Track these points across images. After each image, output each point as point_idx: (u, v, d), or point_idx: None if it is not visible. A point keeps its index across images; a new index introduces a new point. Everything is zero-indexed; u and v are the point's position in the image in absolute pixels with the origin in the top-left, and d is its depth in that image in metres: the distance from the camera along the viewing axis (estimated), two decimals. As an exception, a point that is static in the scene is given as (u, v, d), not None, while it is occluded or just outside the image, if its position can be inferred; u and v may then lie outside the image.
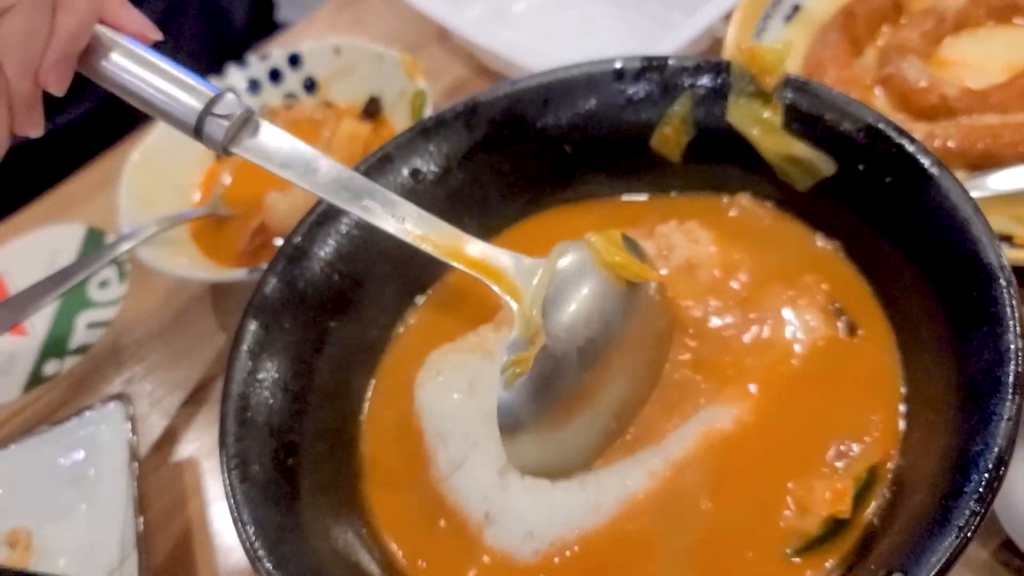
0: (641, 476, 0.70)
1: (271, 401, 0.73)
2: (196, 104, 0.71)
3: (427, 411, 0.77)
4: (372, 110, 1.19)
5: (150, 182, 1.14)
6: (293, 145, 0.74)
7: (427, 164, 0.86)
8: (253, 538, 0.64)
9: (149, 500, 0.95)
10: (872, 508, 0.65)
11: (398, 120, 1.16)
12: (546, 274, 0.71)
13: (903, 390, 0.70)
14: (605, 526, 0.69)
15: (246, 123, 0.73)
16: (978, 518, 0.54)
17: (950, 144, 0.91)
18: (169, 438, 1.02)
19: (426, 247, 0.73)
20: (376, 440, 0.79)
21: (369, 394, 0.82)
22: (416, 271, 0.86)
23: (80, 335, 1.15)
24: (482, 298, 0.82)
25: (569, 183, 0.89)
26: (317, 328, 0.79)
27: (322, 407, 0.76)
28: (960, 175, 0.91)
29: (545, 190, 0.90)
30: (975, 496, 0.55)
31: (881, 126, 0.72)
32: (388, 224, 0.73)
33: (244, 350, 0.75)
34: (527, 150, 0.87)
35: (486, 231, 0.87)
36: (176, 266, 1.05)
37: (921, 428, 0.66)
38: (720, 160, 0.83)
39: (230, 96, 0.72)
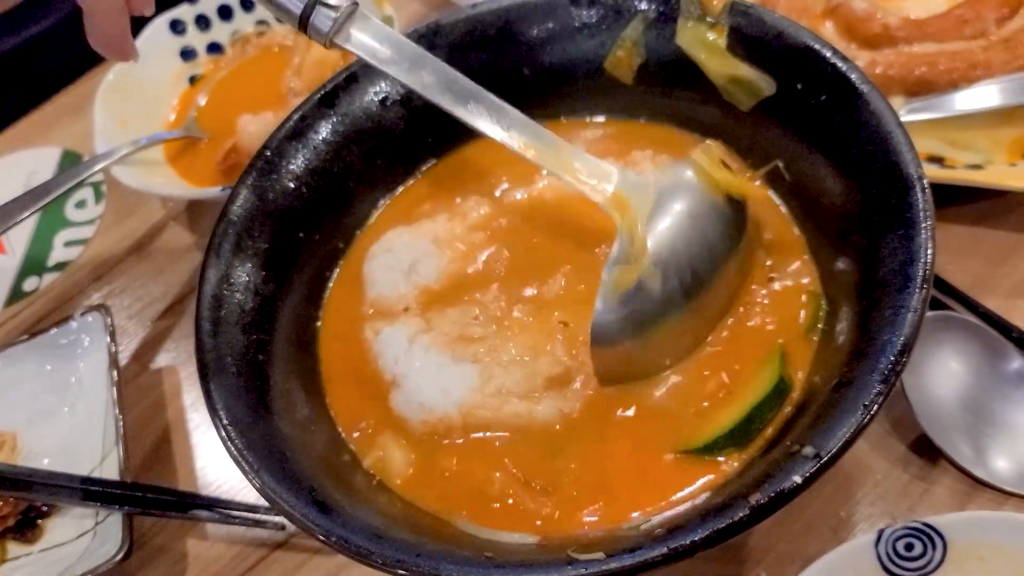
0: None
1: (243, 302, 0.78)
2: None
3: (369, 279, 0.84)
4: (342, 36, 1.21)
5: (125, 103, 1.17)
6: (399, 42, 0.75)
7: (392, 85, 0.90)
8: (225, 423, 0.69)
9: (129, 405, 0.99)
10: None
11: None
12: (652, 190, 0.72)
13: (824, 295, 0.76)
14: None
15: (352, 16, 0.73)
16: (882, 397, 0.59)
17: (890, 71, 0.96)
18: (147, 348, 1.07)
19: (530, 155, 0.75)
20: (331, 332, 0.85)
21: (327, 294, 0.87)
22: (380, 183, 0.91)
23: (58, 253, 1.19)
24: (442, 199, 0.88)
25: (528, 105, 0.93)
26: (286, 237, 0.84)
27: (290, 308, 0.81)
28: (899, 100, 0.96)
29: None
30: (880, 378, 0.60)
31: (817, 47, 0.76)
32: (494, 130, 0.75)
33: (218, 255, 0.79)
34: (487, 73, 0.90)
35: (447, 149, 0.92)
36: (151, 184, 1.09)
37: (839, 324, 0.71)
38: (670, 82, 0.87)
39: None
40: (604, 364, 0.73)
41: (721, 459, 0.68)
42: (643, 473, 0.69)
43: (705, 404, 0.71)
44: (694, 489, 0.68)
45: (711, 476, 0.68)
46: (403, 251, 0.84)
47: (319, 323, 0.85)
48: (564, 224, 0.84)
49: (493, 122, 0.74)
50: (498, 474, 0.72)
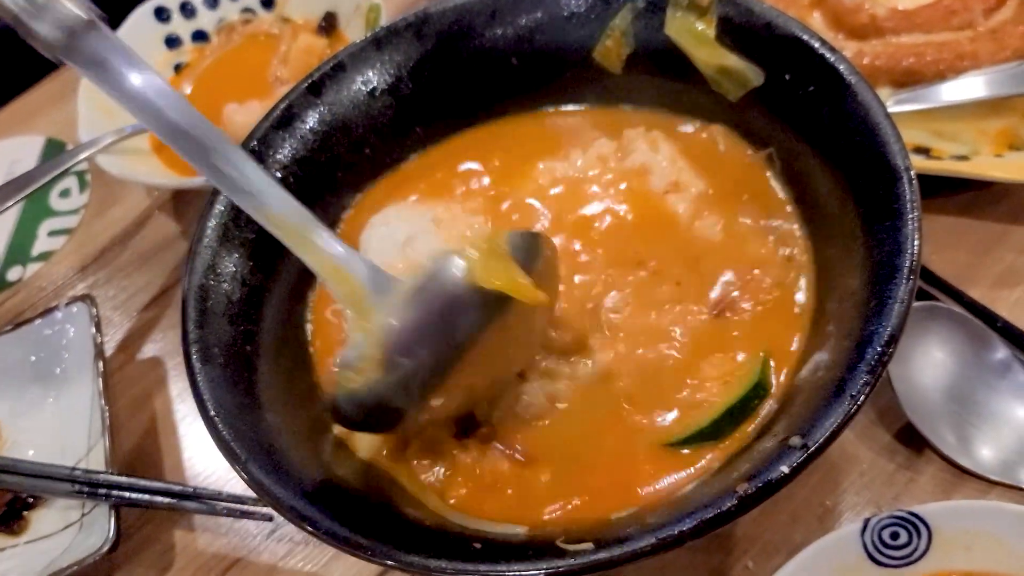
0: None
1: (230, 293, 0.78)
2: None
3: (363, 247, 0.84)
4: (328, 25, 1.21)
5: (109, 92, 1.16)
6: (142, 73, 0.64)
7: (379, 74, 0.90)
8: (212, 414, 0.68)
9: (115, 396, 0.99)
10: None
11: (353, 34, 1.18)
12: (398, 301, 0.65)
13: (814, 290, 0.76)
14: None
15: (89, 29, 0.62)
16: (869, 387, 0.60)
17: (878, 62, 0.96)
18: (133, 339, 1.06)
19: (270, 227, 0.69)
20: (321, 319, 0.85)
21: (317, 285, 0.87)
22: (368, 173, 0.91)
23: (42, 242, 1.18)
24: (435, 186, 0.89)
25: (516, 94, 0.93)
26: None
27: (278, 298, 0.81)
28: (886, 91, 0.96)
29: (493, 101, 0.93)
30: (867, 368, 0.60)
31: (805, 38, 0.76)
32: (236, 195, 0.68)
33: (204, 245, 0.78)
34: (475, 61, 0.91)
35: (435, 139, 0.92)
36: (137, 173, 1.08)
37: (828, 315, 0.72)
38: (658, 72, 0.87)
39: None
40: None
41: (698, 452, 0.69)
42: (630, 464, 0.70)
43: (699, 396, 0.72)
44: (681, 479, 0.68)
45: (698, 466, 0.68)
46: (401, 225, 0.84)
47: (309, 311, 0.85)
48: (563, 214, 0.85)
49: (237, 183, 0.67)
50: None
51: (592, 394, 0.74)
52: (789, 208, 0.81)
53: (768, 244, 0.79)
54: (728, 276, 0.78)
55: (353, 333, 0.68)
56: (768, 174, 0.83)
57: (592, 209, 0.85)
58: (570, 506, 0.69)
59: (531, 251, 0.68)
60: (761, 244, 0.79)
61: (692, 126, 0.88)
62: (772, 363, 0.72)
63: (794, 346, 0.72)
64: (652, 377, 0.74)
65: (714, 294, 0.77)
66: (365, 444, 0.75)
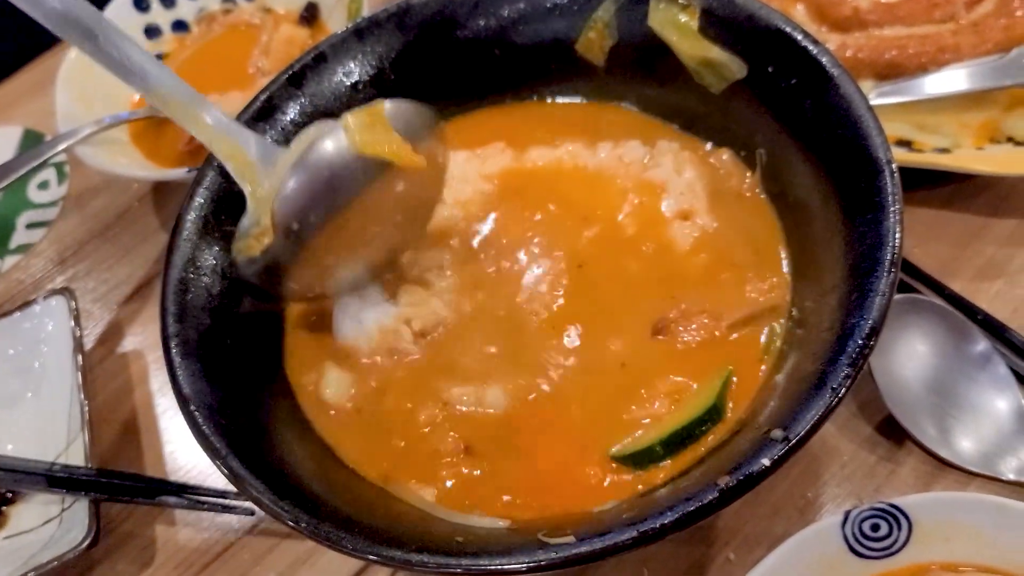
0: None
1: (210, 286, 0.77)
2: None
3: None
4: (310, 15, 1.20)
5: (87, 82, 1.14)
6: None
7: (361, 65, 0.89)
8: (192, 409, 0.68)
9: (95, 390, 0.99)
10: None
11: (335, 25, 1.17)
12: (283, 165, 0.71)
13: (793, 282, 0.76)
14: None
15: None
16: (850, 380, 0.60)
17: (860, 55, 0.96)
18: (113, 332, 1.05)
19: (160, 105, 0.73)
20: (295, 312, 0.84)
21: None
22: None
23: (21, 235, 1.16)
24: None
25: (499, 86, 0.93)
26: (254, 220, 0.83)
27: (259, 290, 0.80)
28: (868, 84, 0.96)
29: (476, 93, 0.93)
30: (848, 361, 0.60)
31: (788, 30, 0.76)
32: (127, 77, 0.71)
33: (184, 239, 0.78)
34: (458, 52, 0.90)
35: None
36: (116, 165, 1.07)
37: (809, 309, 0.72)
38: (641, 64, 0.87)
39: None
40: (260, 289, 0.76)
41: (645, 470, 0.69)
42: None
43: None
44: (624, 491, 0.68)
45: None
46: None
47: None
48: (551, 201, 0.85)
49: (126, 64, 0.71)
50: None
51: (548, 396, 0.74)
52: (777, 242, 0.80)
53: (750, 294, 0.77)
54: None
55: (248, 204, 0.73)
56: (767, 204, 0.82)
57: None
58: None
59: (413, 121, 0.74)
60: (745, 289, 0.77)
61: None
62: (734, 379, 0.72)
63: (759, 369, 0.72)
64: (607, 392, 0.74)
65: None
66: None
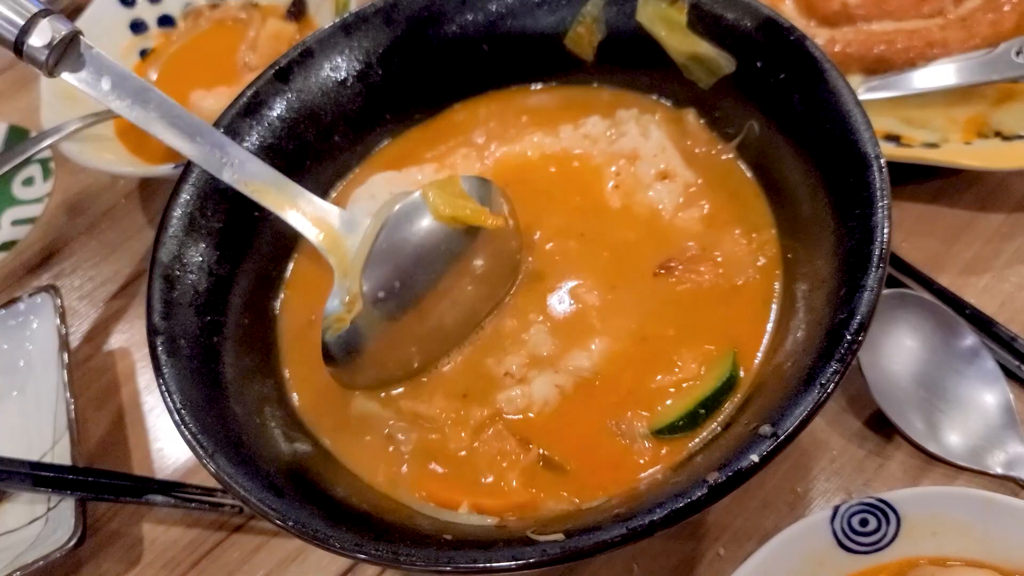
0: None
1: (196, 283, 0.77)
2: (16, 19, 0.66)
3: None
4: (297, 10, 1.19)
5: (73, 78, 1.13)
6: (123, 73, 0.72)
7: (348, 61, 0.89)
8: (179, 407, 0.67)
9: (81, 388, 0.98)
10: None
11: (323, 20, 1.16)
12: (368, 236, 0.73)
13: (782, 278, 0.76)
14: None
15: (71, 44, 0.69)
16: (839, 375, 0.60)
17: (849, 49, 0.96)
18: (100, 330, 1.05)
19: (250, 192, 0.74)
20: (291, 310, 0.84)
21: (287, 274, 0.86)
22: (337, 161, 0.90)
23: (5, 232, 1.15)
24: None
25: (487, 81, 0.92)
26: (241, 216, 0.82)
27: (246, 289, 0.80)
28: (857, 78, 0.96)
29: (464, 88, 0.92)
30: (837, 356, 0.60)
31: (777, 25, 0.76)
32: (219, 169, 0.73)
33: (170, 235, 0.77)
34: (446, 47, 0.90)
35: (406, 124, 0.91)
36: (102, 161, 1.06)
37: (798, 303, 0.72)
38: (630, 60, 0.87)
39: (55, 16, 0.68)
40: (345, 379, 0.75)
41: (675, 438, 0.69)
42: (604, 453, 0.70)
43: (672, 390, 0.71)
44: (654, 468, 0.68)
45: (669, 455, 0.68)
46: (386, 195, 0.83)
47: (278, 302, 0.84)
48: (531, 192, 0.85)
49: (219, 159, 0.73)
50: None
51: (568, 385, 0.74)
52: (761, 198, 0.80)
53: (741, 239, 0.78)
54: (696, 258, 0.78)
55: (336, 277, 0.74)
56: (743, 167, 0.83)
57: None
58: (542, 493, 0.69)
59: (484, 193, 0.76)
60: (735, 239, 0.78)
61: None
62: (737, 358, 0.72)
63: (762, 336, 0.72)
64: (623, 367, 0.73)
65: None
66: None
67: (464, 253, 0.75)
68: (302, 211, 0.76)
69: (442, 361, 0.77)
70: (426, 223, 0.73)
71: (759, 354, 0.72)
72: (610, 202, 0.83)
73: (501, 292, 0.79)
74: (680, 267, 0.77)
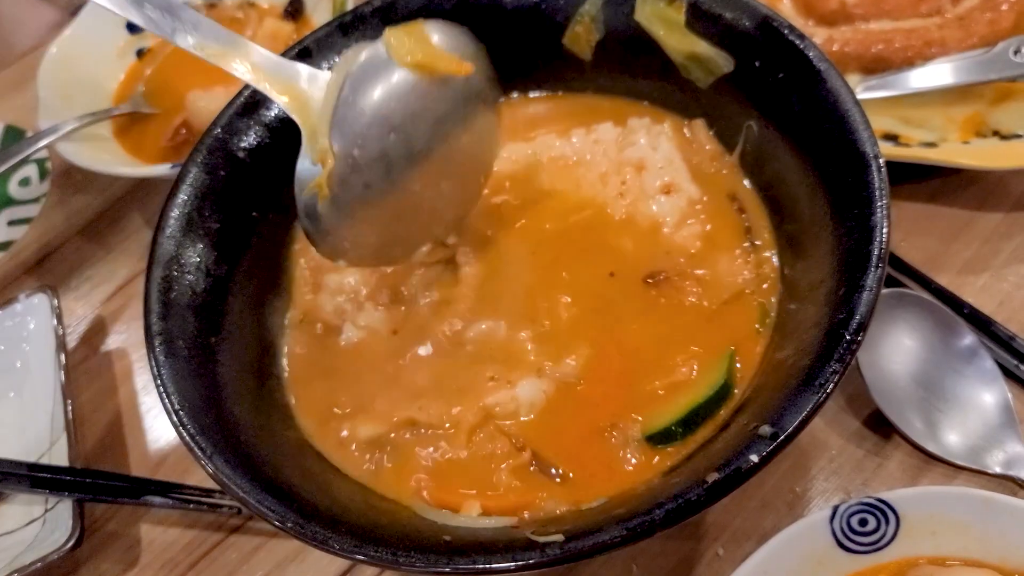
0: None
1: (194, 284, 0.76)
2: None
3: None
4: (294, 10, 1.19)
5: (69, 77, 1.13)
6: None
7: (347, 60, 0.88)
8: (177, 408, 0.67)
9: (78, 389, 0.98)
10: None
11: (320, 19, 1.16)
12: (332, 86, 0.68)
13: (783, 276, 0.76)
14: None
15: None
16: (838, 376, 0.60)
17: (847, 49, 0.96)
18: (97, 330, 1.04)
19: (202, 55, 0.71)
20: (289, 310, 0.84)
21: (285, 274, 0.86)
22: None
23: (2, 232, 1.15)
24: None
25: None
26: (239, 216, 0.82)
27: (244, 288, 0.79)
28: (855, 78, 0.96)
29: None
30: (836, 357, 0.60)
31: (775, 24, 0.76)
32: (173, 34, 0.69)
33: (167, 235, 0.77)
34: (444, 47, 0.89)
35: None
36: (98, 162, 1.06)
37: (797, 302, 0.72)
38: (628, 59, 0.87)
39: None
40: (331, 252, 0.73)
41: (669, 447, 0.69)
42: (599, 457, 0.70)
43: (661, 392, 0.72)
44: (652, 471, 0.68)
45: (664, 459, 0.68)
46: None
47: (277, 301, 0.84)
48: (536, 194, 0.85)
49: (171, 25, 0.69)
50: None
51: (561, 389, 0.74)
52: (762, 211, 0.81)
53: (738, 256, 0.78)
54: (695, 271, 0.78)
55: (304, 137, 0.70)
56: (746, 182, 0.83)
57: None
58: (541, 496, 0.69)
59: (456, 44, 0.71)
60: (732, 255, 0.79)
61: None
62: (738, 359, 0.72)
63: (756, 347, 0.72)
64: (616, 371, 0.74)
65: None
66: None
67: (438, 110, 0.70)
68: (263, 73, 0.71)
69: (439, 361, 0.76)
70: (391, 72, 0.68)
71: (755, 361, 0.72)
72: (613, 209, 0.83)
73: (485, 168, 0.77)
74: (668, 279, 0.77)
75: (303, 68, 0.71)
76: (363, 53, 0.69)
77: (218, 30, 0.70)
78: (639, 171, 0.84)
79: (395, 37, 0.68)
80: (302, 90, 0.70)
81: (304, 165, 0.70)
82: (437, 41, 0.70)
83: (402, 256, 0.77)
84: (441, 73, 0.69)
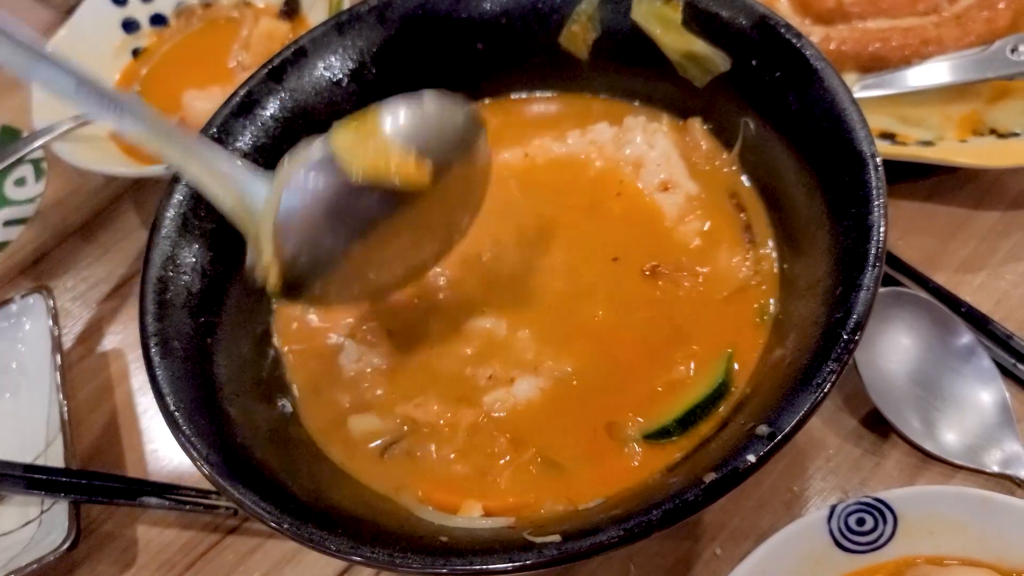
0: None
1: (190, 284, 0.76)
2: None
3: None
4: (290, 9, 1.19)
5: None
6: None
7: (342, 60, 0.88)
8: (172, 409, 0.67)
9: (74, 389, 0.97)
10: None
11: (316, 19, 1.16)
12: (274, 198, 0.63)
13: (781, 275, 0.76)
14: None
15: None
16: (835, 375, 0.59)
17: (844, 47, 0.96)
18: (93, 331, 1.04)
19: (145, 143, 0.66)
20: (286, 311, 0.83)
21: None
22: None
23: (-3, 232, 1.15)
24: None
25: (482, 81, 0.92)
26: (234, 216, 0.81)
27: (239, 290, 0.79)
28: (852, 76, 0.96)
29: (458, 87, 0.91)
30: (834, 356, 0.60)
31: (772, 23, 0.76)
32: (104, 116, 0.64)
33: (163, 236, 0.77)
34: (440, 46, 0.89)
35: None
36: (94, 162, 1.05)
37: (795, 302, 0.72)
38: (625, 58, 0.86)
39: None
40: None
41: (667, 443, 0.69)
42: (598, 456, 0.69)
43: (660, 390, 0.72)
44: (651, 469, 0.68)
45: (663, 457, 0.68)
46: None
47: (273, 301, 0.83)
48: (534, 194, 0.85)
49: (107, 108, 0.63)
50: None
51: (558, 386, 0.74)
52: (759, 208, 0.80)
53: (736, 252, 0.78)
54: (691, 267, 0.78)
55: (249, 250, 0.67)
56: (744, 179, 0.83)
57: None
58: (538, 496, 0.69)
59: (422, 126, 0.63)
60: (730, 251, 0.79)
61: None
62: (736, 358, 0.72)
63: (756, 344, 0.72)
64: (614, 369, 0.74)
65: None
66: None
67: (396, 209, 0.64)
68: (212, 172, 0.67)
69: (435, 360, 0.76)
70: (338, 184, 0.62)
71: (753, 359, 0.71)
72: (612, 208, 0.83)
73: (465, 217, 0.72)
74: (668, 272, 0.77)
75: (246, 169, 0.67)
76: (309, 157, 0.64)
77: (161, 124, 0.66)
78: (637, 169, 0.84)
79: (343, 139, 0.63)
80: (243, 193, 0.66)
81: (250, 259, 0.67)
82: (395, 134, 0.63)
83: (383, 298, 0.77)
84: (394, 186, 0.62)
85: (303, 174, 0.64)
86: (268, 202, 0.64)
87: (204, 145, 0.69)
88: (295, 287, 0.66)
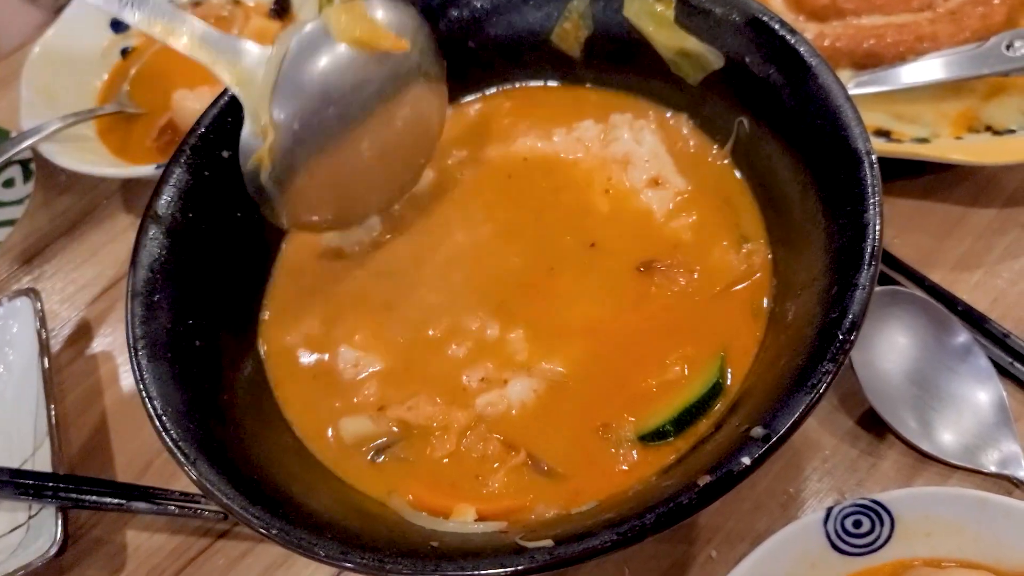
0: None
1: (178, 287, 0.75)
2: None
3: None
4: (280, 8, 1.18)
5: (53, 77, 1.12)
6: None
7: (333, 58, 0.87)
8: (160, 413, 0.66)
9: (63, 393, 0.96)
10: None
11: (306, 18, 1.15)
12: (273, 61, 0.72)
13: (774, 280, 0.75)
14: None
15: None
16: (831, 376, 0.59)
17: (838, 44, 0.95)
18: (81, 333, 1.03)
19: (156, 31, 0.73)
20: (275, 312, 0.83)
21: (271, 275, 0.85)
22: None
23: (-15, 234, 1.14)
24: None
25: (474, 79, 0.91)
26: (224, 217, 0.81)
27: (229, 291, 0.78)
28: (846, 73, 0.95)
29: (451, 87, 0.91)
30: (829, 356, 0.59)
31: (765, 19, 0.75)
32: (121, 9, 0.72)
33: (150, 237, 0.76)
34: (431, 44, 0.88)
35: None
36: (83, 163, 1.04)
37: (790, 301, 0.71)
38: (617, 55, 0.86)
39: None
40: (275, 216, 0.77)
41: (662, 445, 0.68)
42: (591, 458, 0.69)
43: (654, 390, 0.71)
44: (645, 472, 0.67)
45: (658, 459, 0.67)
46: None
47: (264, 307, 0.82)
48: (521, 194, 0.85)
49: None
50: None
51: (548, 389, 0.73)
52: (752, 204, 0.80)
53: (730, 248, 0.78)
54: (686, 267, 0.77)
55: (245, 111, 0.73)
56: (737, 174, 0.82)
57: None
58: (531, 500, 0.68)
59: (395, 17, 0.75)
60: (724, 248, 0.78)
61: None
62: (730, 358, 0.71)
63: (751, 341, 0.71)
64: (608, 369, 0.73)
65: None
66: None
67: (377, 85, 0.74)
68: (207, 48, 0.74)
69: (427, 362, 0.76)
70: (330, 48, 0.72)
71: (747, 359, 0.71)
72: (601, 205, 0.82)
73: (428, 141, 0.81)
74: (662, 268, 0.76)
75: (247, 44, 0.74)
76: (303, 29, 0.72)
77: (163, 6, 0.73)
78: (625, 166, 0.83)
79: (335, 14, 0.72)
80: (244, 66, 0.73)
81: (247, 136, 0.73)
82: (377, 17, 0.73)
83: (344, 226, 0.81)
84: (378, 50, 0.73)
85: (302, 43, 0.72)
86: (269, 65, 0.72)
87: (206, 26, 0.75)
88: (281, 178, 0.73)
